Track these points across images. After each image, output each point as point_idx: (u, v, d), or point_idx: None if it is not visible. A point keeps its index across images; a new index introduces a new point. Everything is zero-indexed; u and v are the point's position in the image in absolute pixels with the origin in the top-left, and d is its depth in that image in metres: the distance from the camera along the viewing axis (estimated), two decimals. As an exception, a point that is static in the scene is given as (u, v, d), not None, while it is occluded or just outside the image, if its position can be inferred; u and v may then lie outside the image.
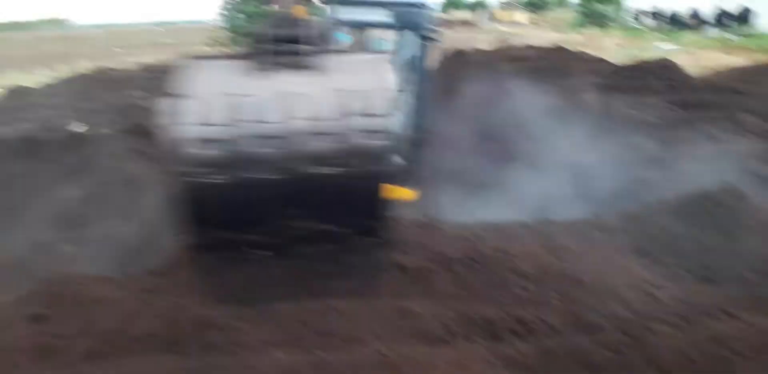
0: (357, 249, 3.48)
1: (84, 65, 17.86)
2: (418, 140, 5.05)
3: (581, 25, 31.89)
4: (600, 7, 32.75)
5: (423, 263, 3.42)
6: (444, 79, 12.49)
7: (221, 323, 2.62)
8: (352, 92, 2.66)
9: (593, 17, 32.32)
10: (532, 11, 50.49)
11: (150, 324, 2.56)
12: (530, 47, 15.02)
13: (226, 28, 29.38)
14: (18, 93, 11.65)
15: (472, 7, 60.24)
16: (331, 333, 2.68)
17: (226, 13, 28.45)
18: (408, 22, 5.28)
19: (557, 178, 5.73)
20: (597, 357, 2.50)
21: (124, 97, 9.87)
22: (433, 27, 5.19)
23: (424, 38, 5.21)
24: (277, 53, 2.81)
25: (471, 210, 6.48)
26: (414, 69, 5.23)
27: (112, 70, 14.06)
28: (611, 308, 2.97)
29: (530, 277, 3.28)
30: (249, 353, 2.46)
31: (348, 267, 3.31)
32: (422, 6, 5.25)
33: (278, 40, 2.83)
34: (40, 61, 21.04)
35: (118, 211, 5.46)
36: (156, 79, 11.99)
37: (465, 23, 43.97)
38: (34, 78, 15.71)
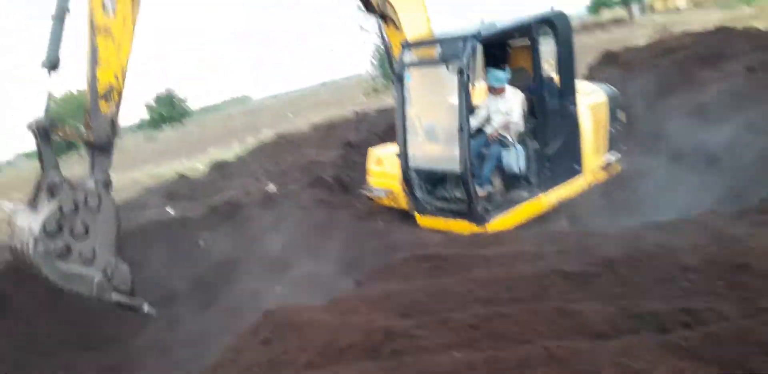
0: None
1: (266, 134, 20.28)
2: None
3: (753, -4, 28.76)
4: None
5: (585, 267, 3.60)
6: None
7: (405, 332, 3.08)
8: None
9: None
10: (693, -7, 46.41)
11: (351, 337, 3.10)
12: (687, 34, 14.07)
13: (379, 77, 31.03)
14: (218, 166, 13.68)
15: (625, 3, 56.85)
16: (500, 335, 3.00)
17: (375, 62, 30.02)
18: (449, 56, 5.52)
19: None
20: (767, 337, 2.50)
21: (303, 156, 11.16)
22: (468, 60, 5.34)
23: (459, 72, 5.33)
24: None
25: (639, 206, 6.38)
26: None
27: (289, 134, 15.86)
28: (784, 291, 2.90)
29: (696, 269, 3.30)
30: (430, 355, 2.87)
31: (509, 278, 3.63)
32: (469, 39, 5.42)
33: None
34: (232, 136, 24.23)
35: (312, 253, 6.31)
36: (326, 136, 13.37)
37: (618, 21, 41.88)
38: (229, 152, 18.20)
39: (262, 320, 3.77)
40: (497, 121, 6.30)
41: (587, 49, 20.46)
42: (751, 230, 3.55)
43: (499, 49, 6.98)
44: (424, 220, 6.50)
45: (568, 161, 6.44)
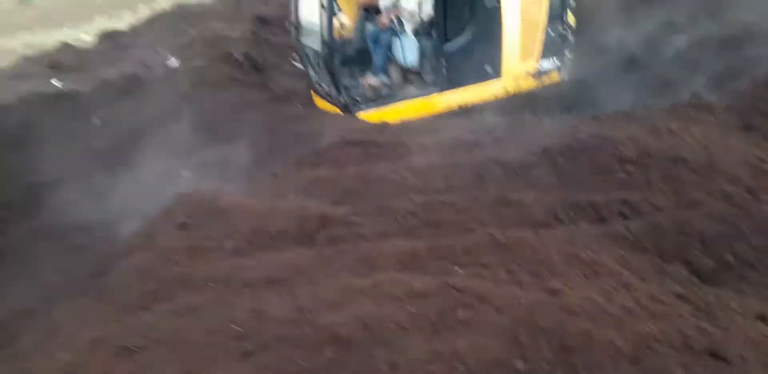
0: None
1: (162, 3, 18.23)
2: None
3: None
4: None
5: (523, 157, 3.50)
6: None
7: (341, 219, 2.89)
8: None
9: None
10: None
11: (282, 223, 2.87)
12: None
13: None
14: (109, 36, 12.20)
15: None
16: (440, 223, 2.88)
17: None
18: None
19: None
20: (705, 229, 2.55)
21: (207, 29, 10.09)
22: None
23: None
24: None
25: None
26: None
27: (189, 4, 14.28)
28: (718, 184, 2.95)
29: (632, 161, 3.28)
30: (369, 243, 2.72)
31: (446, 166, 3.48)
32: None
33: None
34: (121, 4, 21.65)
35: (224, 136, 5.84)
36: (233, 9, 12.16)
37: None
38: (120, 22, 16.29)
39: (176, 203, 3.43)
40: (400, 6, 5.80)
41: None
42: (686, 124, 3.56)
43: None
44: (317, 100, 6.15)
45: (478, 62, 5.76)
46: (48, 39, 16.57)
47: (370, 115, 5.38)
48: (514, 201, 3.03)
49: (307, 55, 5.99)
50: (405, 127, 4.33)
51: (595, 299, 2.10)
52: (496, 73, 5.89)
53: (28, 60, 10.48)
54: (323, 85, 5.87)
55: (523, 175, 3.35)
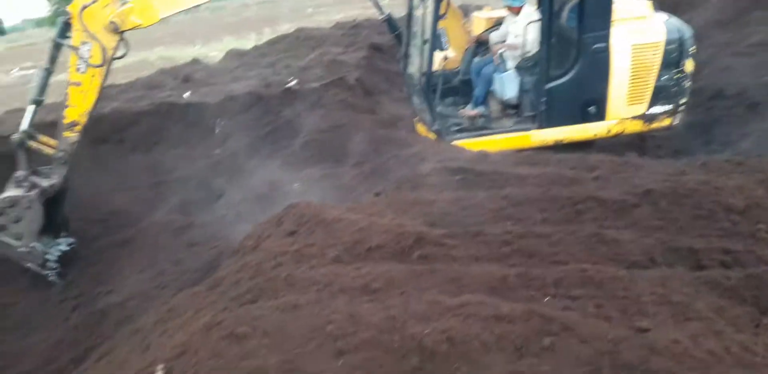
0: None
1: (285, 27, 19.46)
2: None
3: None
4: None
5: (623, 196, 3.51)
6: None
7: (436, 240, 3.04)
8: None
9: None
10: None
11: (380, 238, 3.06)
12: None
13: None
14: (235, 55, 13.22)
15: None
16: (533, 253, 2.96)
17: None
18: None
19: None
20: (811, 285, 2.47)
21: (324, 53, 10.72)
22: None
23: None
24: None
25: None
26: None
27: (309, 29, 15.20)
28: (831, 242, 2.84)
29: (739, 211, 3.21)
30: (461, 265, 2.85)
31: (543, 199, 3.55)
32: None
33: None
34: (248, 26, 23.30)
35: (332, 154, 6.20)
36: (349, 36, 12.81)
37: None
38: (246, 42, 17.55)
39: (286, 212, 3.73)
40: (502, 44, 5.99)
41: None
42: (801, 179, 3.43)
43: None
44: (419, 127, 6.42)
45: (581, 102, 5.73)
46: (181, 54, 18.15)
47: (462, 143, 5.58)
48: (611, 239, 3.05)
49: (412, 85, 6.30)
50: (505, 157, 4.43)
51: (683, 341, 2.11)
52: (600, 115, 5.83)
53: (163, 72, 11.55)
54: (422, 112, 6.16)
55: (622, 215, 3.35)
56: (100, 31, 4.72)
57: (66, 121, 4.99)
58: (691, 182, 3.48)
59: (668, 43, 5.75)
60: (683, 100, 6.03)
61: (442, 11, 5.61)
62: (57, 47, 4.87)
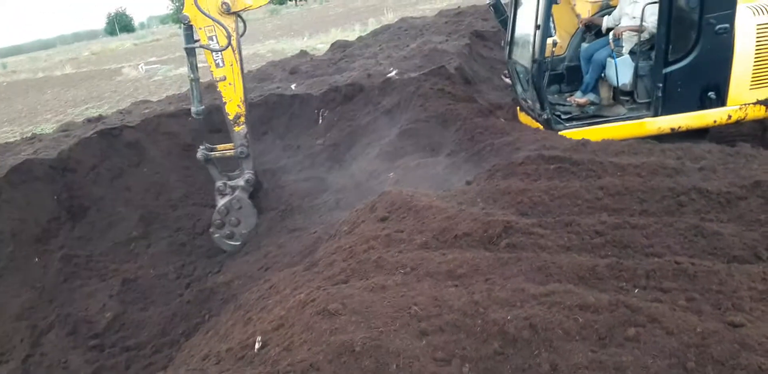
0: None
1: (389, 17, 19.69)
2: None
3: None
4: None
5: (729, 188, 3.32)
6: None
7: (525, 228, 3.05)
8: None
9: None
10: None
11: (468, 226, 3.12)
12: None
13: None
14: (339, 46, 13.59)
15: None
16: (626, 244, 2.89)
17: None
18: None
19: None
20: None
21: (426, 42, 10.77)
22: None
23: None
24: None
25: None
26: None
27: (413, 18, 15.29)
28: None
29: None
30: (549, 254, 2.84)
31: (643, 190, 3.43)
32: None
33: None
34: (354, 17, 23.79)
35: (428, 144, 6.28)
36: (452, 23, 12.75)
37: None
38: (351, 33, 17.96)
39: (379, 199, 3.87)
40: (624, 26, 5.67)
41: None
42: None
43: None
44: (522, 116, 6.34)
45: (700, 88, 5.43)
46: (290, 46, 18.93)
47: (573, 133, 5.40)
48: (712, 232, 2.91)
49: (516, 72, 6.21)
50: (606, 146, 4.29)
51: (780, 339, 2.00)
52: (721, 101, 5.46)
53: (272, 64, 12.11)
54: (528, 100, 6.03)
55: (726, 207, 3.18)
56: (216, 15, 5.03)
57: (230, 116, 5.45)
58: (810, 174, 3.23)
59: None
60: None
61: None
62: (190, 53, 5.22)
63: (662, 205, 3.27)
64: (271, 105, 7.95)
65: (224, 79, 5.25)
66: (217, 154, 5.58)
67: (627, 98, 5.75)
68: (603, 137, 5.16)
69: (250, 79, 10.14)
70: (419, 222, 3.35)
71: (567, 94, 6.26)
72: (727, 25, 5.18)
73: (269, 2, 5.65)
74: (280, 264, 4.24)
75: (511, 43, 6.18)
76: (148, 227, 6.10)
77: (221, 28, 5.01)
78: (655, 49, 5.34)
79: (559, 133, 5.40)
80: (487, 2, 6.49)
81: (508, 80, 6.88)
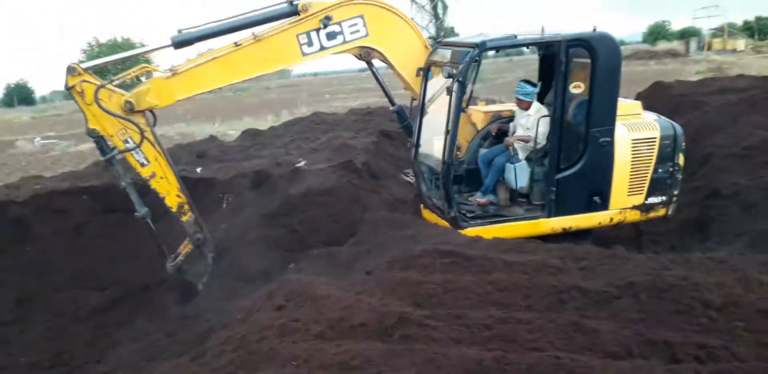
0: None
1: (302, 111, 20.38)
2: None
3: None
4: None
5: (606, 288, 3.60)
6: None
7: (419, 321, 3.12)
8: None
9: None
10: (754, 37, 45.68)
11: (364, 316, 3.15)
12: (741, 77, 13.87)
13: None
14: (250, 134, 13.80)
15: (682, 36, 56.10)
16: (512, 339, 3.02)
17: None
18: (454, 61, 5.46)
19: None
20: (781, 385, 2.50)
21: (336, 137, 11.21)
22: (466, 68, 5.33)
23: (449, 76, 5.35)
24: None
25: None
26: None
27: (324, 114, 15.93)
28: (806, 342, 2.89)
29: (717, 307, 3.28)
30: (440, 347, 2.91)
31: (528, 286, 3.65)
32: (474, 47, 5.41)
33: None
34: (268, 108, 24.40)
35: (330, 235, 6.37)
36: (361, 121, 13.40)
37: (673, 54, 41.36)
38: (263, 123, 18.34)
39: (278, 286, 3.84)
40: (517, 135, 6.30)
41: (639, 77, 20.28)
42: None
43: (553, 62, 6.90)
44: (425, 212, 6.64)
45: (587, 192, 6.03)
46: (200, 130, 18.93)
47: (476, 231, 5.71)
48: (590, 329, 3.12)
49: (421, 171, 6.57)
50: (496, 243, 4.56)
51: (648, 433, 2.13)
52: (604, 205, 6.10)
53: (179, 147, 12.03)
54: (433, 199, 6.35)
55: (603, 305, 3.43)
56: (122, 114, 4.99)
57: (174, 209, 5.39)
58: (672, 277, 3.57)
59: (663, 138, 6.16)
60: (676, 192, 6.36)
61: (463, 105, 5.83)
62: (112, 163, 5.16)
63: (545, 301, 3.47)
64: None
65: (154, 175, 5.20)
66: (182, 258, 5.52)
67: (524, 200, 6.24)
68: (503, 235, 5.51)
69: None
70: (316, 311, 3.34)
71: (467, 194, 6.66)
72: (609, 139, 5.89)
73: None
74: (168, 353, 4.00)
75: (417, 145, 6.56)
76: (25, 310, 5.61)
77: (132, 124, 4.97)
78: (549, 157, 5.92)
79: (463, 231, 5.68)
80: (391, 109, 6.91)
81: (409, 179, 7.23)
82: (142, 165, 5.12)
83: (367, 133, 11.55)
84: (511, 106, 7.34)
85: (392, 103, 6.87)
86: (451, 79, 5.39)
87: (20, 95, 54.52)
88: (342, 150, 9.71)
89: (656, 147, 6.19)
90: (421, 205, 6.81)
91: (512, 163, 6.10)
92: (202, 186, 7.88)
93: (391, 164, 10.14)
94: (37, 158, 17.71)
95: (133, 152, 5.05)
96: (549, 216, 5.96)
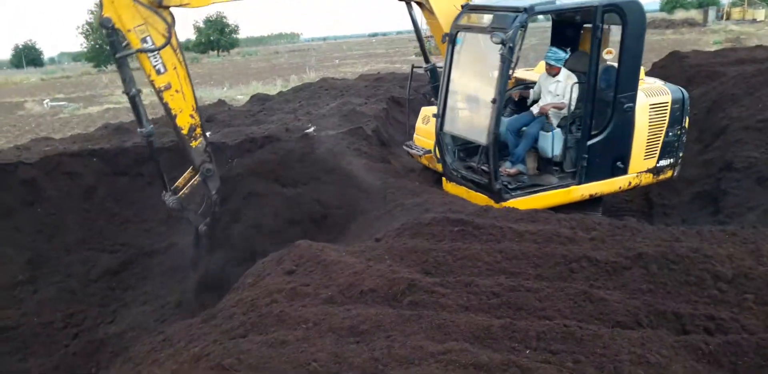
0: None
1: (311, 75, 20.15)
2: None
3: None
4: None
5: (616, 258, 3.59)
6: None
7: (428, 287, 3.13)
8: None
9: None
10: (774, 7, 44.53)
11: (374, 282, 3.16)
12: (760, 47, 13.54)
13: (432, 37, 30.53)
14: (259, 99, 13.70)
15: (700, 5, 54.74)
16: (521, 306, 3.03)
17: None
18: (497, 26, 5.30)
19: None
20: (789, 356, 2.51)
21: (345, 103, 11.11)
22: (514, 33, 5.15)
23: (501, 42, 5.19)
24: None
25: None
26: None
27: (333, 79, 15.76)
28: (815, 315, 2.88)
29: (728, 279, 3.27)
30: (449, 313, 2.92)
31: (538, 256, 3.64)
32: (520, 11, 5.24)
33: None
34: (276, 73, 24.14)
35: (342, 202, 6.34)
36: (371, 88, 13.25)
37: (690, 23, 40.47)
38: (272, 88, 18.17)
39: (288, 251, 3.85)
40: (545, 102, 6.21)
41: (655, 46, 19.86)
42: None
43: (573, 29, 6.76)
44: (448, 186, 6.56)
45: (612, 158, 6.15)
46: (209, 95, 18.81)
47: (516, 202, 5.72)
48: (599, 298, 3.12)
49: (445, 143, 6.45)
50: (506, 213, 4.54)
51: (654, 401, 2.15)
52: (625, 169, 6.30)
53: (189, 111, 11.91)
54: (462, 171, 6.27)
55: (613, 275, 3.43)
56: (147, 12, 4.32)
57: (184, 131, 4.70)
58: (683, 249, 3.55)
59: (674, 102, 6.35)
60: (681, 154, 6.62)
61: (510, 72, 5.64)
62: (123, 64, 4.41)
63: (555, 271, 3.47)
64: (181, 151, 7.79)
65: (169, 86, 4.45)
66: (186, 190, 4.89)
67: (556, 168, 6.27)
68: (538, 205, 5.63)
69: (163, 123, 9.95)
70: (326, 276, 3.35)
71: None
72: (632, 104, 5.99)
73: (211, 3, 4.76)
74: (179, 316, 4.06)
75: (443, 115, 6.33)
76: (36, 271, 5.68)
77: (159, 19, 4.26)
78: (582, 124, 5.93)
79: (507, 203, 5.66)
80: (425, 66, 6.66)
81: (414, 150, 7.11)
82: (158, 72, 4.40)
83: (376, 99, 11.42)
84: (527, 73, 7.20)
85: (426, 60, 6.63)
86: (501, 45, 5.23)
87: (29, 56, 54.19)
88: (351, 116, 9.63)
89: (668, 111, 6.37)
90: (443, 179, 6.67)
91: (547, 131, 6.04)
92: (211, 151, 7.85)
93: (401, 132, 10.06)
94: (46, 120, 17.72)
95: (150, 55, 4.34)
96: (579, 183, 6.09)
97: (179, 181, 5.07)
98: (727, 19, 42.50)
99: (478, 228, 4.06)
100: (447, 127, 6.37)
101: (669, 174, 6.62)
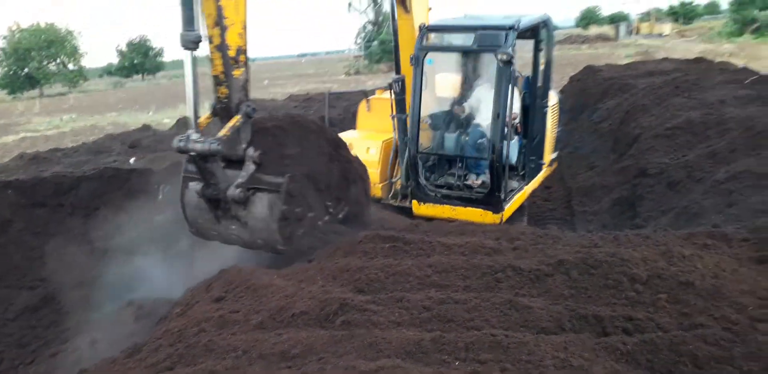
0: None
1: (240, 97, 19.91)
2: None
3: (735, 34, 29.75)
4: (755, 14, 30.40)
5: (539, 266, 3.72)
6: (573, 97, 12.56)
7: (359, 306, 3.14)
8: None
9: (748, 25, 30.06)
10: (679, 21, 47.81)
11: (305, 304, 3.15)
12: (666, 60, 14.49)
13: (361, 56, 30.99)
14: (185, 123, 13.41)
15: (612, 21, 58.09)
16: (450, 319, 3.09)
17: (360, 42, 30.06)
18: (487, 45, 5.59)
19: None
20: (698, 350, 2.67)
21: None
22: (510, 50, 5.43)
23: (506, 62, 5.47)
24: None
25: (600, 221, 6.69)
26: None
27: (263, 100, 15.67)
28: (721, 310, 3.08)
29: (642, 281, 3.45)
30: (381, 330, 2.95)
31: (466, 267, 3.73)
32: (509, 28, 5.52)
33: None
34: (203, 95, 23.73)
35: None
36: (300, 108, 13.26)
37: (603, 38, 42.77)
38: (201, 110, 17.82)
39: (217, 277, 3.78)
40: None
41: (572, 61, 20.85)
42: (699, 251, 3.73)
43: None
44: (421, 208, 6.43)
45: (539, 156, 7.00)
46: (133, 120, 18.27)
47: (508, 209, 6.14)
48: (523, 306, 3.22)
49: (418, 164, 6.39)
50: (435, 227, 4.64)
51: (577, 403, 2.24)
52: (543, 165, 7.20)
53: (111, 137, 11.60)
54: (441, 190, 6.33)
55: (536, 283, 3.55)
56: None
57: (231, 51, 3.86)
58: (601, 254, 3.73)
59: (560, 103, 7.75)
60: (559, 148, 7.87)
61: None
62: None
63: (482, 281, 3.56)
64: (105, 179, 7.53)
65: None
66: (224, 131, 3.97)
67: (513, 172, 6.68)
68: (513, 208, 6.18)
69: (84, 151, 9.60)
70: (257, 301, 3.32)
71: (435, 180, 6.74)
72: (547, 107, 6.95)
73: None
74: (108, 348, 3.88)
75: (418, 136, 6.23)
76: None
77: None
78: (522, 129, 6.68)
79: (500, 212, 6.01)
80: (394, 77, 6.48)
81: None
82: None
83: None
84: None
85: (398, 71, 6.50)
86: (503, 63, 5.51)
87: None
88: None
89: (558, 110, 7.62)
90: (413, 201, 6.48)
91: (509, 141, 6.24)
92: (136, 178, 7.63)
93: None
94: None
95: None
96: (527, 183, 6.70)
97: (203, 117, 4.28)
98: (637, 33, 45.23)
99: (409, 244, 4.13)
100: (425, 148, 6.40)
101: (555, 165, 7.73)
